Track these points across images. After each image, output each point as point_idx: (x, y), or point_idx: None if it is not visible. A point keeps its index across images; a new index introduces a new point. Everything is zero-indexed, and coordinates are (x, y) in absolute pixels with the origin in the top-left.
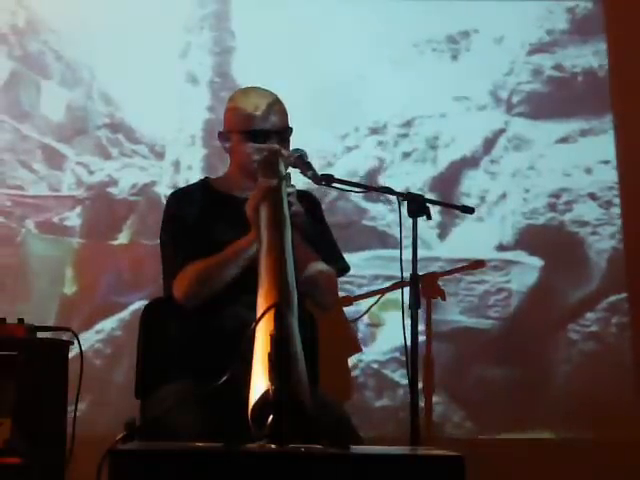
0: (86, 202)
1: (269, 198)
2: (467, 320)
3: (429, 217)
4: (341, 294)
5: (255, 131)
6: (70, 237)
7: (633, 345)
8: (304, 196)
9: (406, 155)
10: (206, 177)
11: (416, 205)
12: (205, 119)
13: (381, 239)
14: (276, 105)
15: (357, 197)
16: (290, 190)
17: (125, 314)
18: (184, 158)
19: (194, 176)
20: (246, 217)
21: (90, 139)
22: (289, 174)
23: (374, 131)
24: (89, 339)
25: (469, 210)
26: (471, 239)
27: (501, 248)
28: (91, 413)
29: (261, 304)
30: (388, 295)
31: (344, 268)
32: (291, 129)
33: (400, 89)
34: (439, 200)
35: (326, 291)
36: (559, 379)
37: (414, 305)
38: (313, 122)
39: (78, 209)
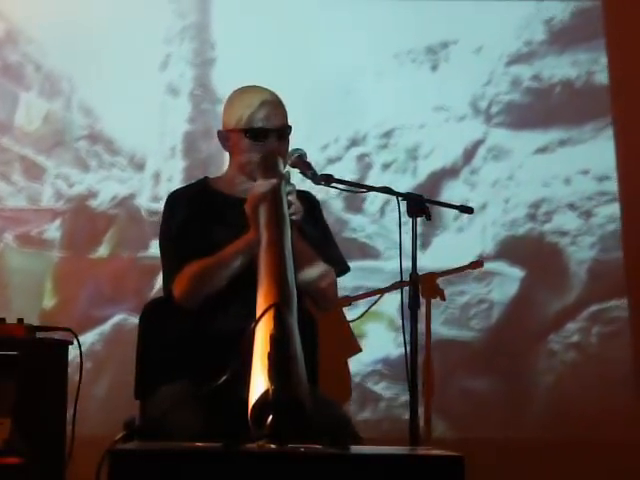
0: (65, 215)
1: (269, 197)
2: (448, 332)
3: (428, 217)
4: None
5: (254, 129)
6: (49, 250)
7: (634, 354)
8: (303, 196)
9: (386, 166)
10: (205, 177)
11: (416, 205)
12: (185, 131)
13: (362, 250)
14: (275, 103)
15: (338, 209)
16: (289, 189)
17: (105, 328)
18: (164, 170)
19: (174, 188)
20: (245, 216)
21: (69, 151)
22: (288, 173)
23: (354, 142)
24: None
25: (468, 210)
26: (452, 250)
27: (482, 259)
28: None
29: (261, 304)
30: (372, 307)
31: (344, 268)
32: (290, 127)
33: (380, 100)
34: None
35: (327, 293)
36: (541, 390)
37: (413, 305)
38: (293, 133)
39: (57, 222)
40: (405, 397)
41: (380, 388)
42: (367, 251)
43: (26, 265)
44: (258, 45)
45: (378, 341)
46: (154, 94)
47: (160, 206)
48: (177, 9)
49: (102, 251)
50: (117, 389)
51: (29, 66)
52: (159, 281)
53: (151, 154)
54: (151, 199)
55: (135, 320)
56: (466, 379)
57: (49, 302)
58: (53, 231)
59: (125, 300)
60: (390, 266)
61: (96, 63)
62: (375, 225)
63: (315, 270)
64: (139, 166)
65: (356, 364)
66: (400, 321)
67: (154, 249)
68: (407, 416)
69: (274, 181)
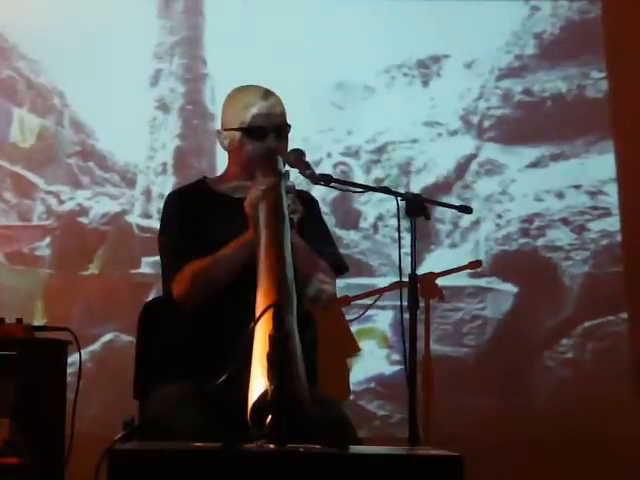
0: (56, 232)
1: (268, 196)
2: (442, 348)
3: (428, 217)
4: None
5: (253, 128)
6: (40, 268)
7: (634, 365)
8: (302, 195)
9: (379, 181)
10: (204, 176)
11: (415, 205)
12: (176, 147)
13: (355, 267)
14: (274, 102)
15: (331, 225)
16: (289, 188)
17: (96, 346)
18: (155, 186)
19: None
20: (245, 216)
21: (61, 167)
22: (288, 172)
23: (346, 157)
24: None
25: (467, 210)
26: (445, 266)
27: (475, 275)
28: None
29: (260, 303)
30: (364, 324)
31: (343, 268)
32: (289, 126)
33: (372, 115)
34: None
35: (326, 306)
36: (536, 406)
37: (413, 305)
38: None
39: (48, 239)
40: (399, 415)
41: (374, 407)
42: (361, 268)
43: (17, 282)
44: (249, 61)
45: (371, 359)
46: (145, 110)
47: (151, 223)
48: (168, 25)
49: (93, 268)
50: (109, 405)
51: (21, 82)
52: (151, 298)
53: (142, 170)
54: (142, 216)
55: (127, 338)
56: (460, 395)
57: (40, 320)
58: (44, 248)
59: (116, 318)
60: (383, 282)
61: (88, 79)
62: (368, 241)
63: (311, 288)
64: (130, 182)
65: None
66: (392, 337)
67: (146, 266)
68: (401, 435)
69: (273, 180)
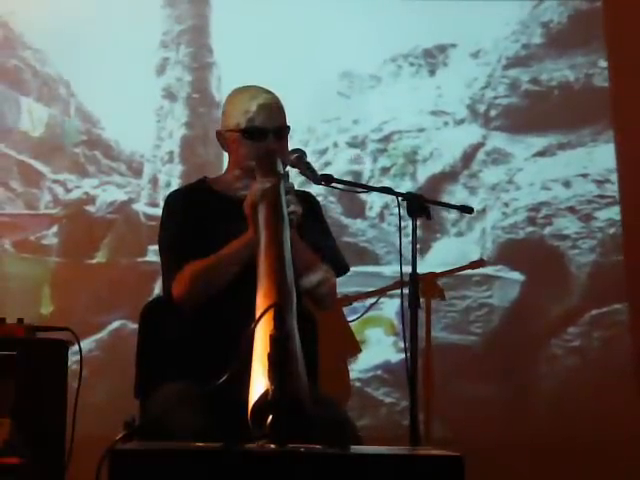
0: (63, 220)
1: (267, 197)
2: (449, 336)
3: (429, 217)
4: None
5: (252, 129)
6: (47, 256)
7: (635, 357)
8: (303, 196)
9: (385, 170)
10: (204, 177)
11: (416, 205)
12: (183, 135)
13: (361, 256)
14: (274, 103)
15: (337, 214)
16: (288, 188)
17: (103, 334)
18: (162, 175)
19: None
20: (244, 216)
21: (67, 156)
22: (287, 173)
23: (353, 146)
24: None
25: (468, 210)
26: (452, 254)
27: (482, 260)
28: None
29: (261, 304)
30: (370, 313)
31: (344, 268)
32: (289, 127)
33: (378, 104)
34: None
35: (328, 295)
36: (542, 394)
37: (414, 304)
38: (291, 138)
39: (55, 227)
40: (406, 402)
41: (380, 394)
42: (366, 256)
43: (24, 271)
44: (255, 49)
45: (378, 346)
46: (152, 98)
47: (158, 211)
48: (174, 14)
49: (100, 257)
50: (116, 395)
51: (28, 71)
52: (158, 286)
53: (149, 159)
54: (149, 204)
55: (133, 326)
56: (467, 383)
57: (47, 308)
58: (51, 237)
59: (123, 307)
60: (389, 270)
61: (94, 68)
62: (374, 230)
63: (315, 275)
64: (137, 171)
65: (356, 370)
66: (399, 325)
67: (152, 254)
68: (408, 422)
69: (273, 180)
